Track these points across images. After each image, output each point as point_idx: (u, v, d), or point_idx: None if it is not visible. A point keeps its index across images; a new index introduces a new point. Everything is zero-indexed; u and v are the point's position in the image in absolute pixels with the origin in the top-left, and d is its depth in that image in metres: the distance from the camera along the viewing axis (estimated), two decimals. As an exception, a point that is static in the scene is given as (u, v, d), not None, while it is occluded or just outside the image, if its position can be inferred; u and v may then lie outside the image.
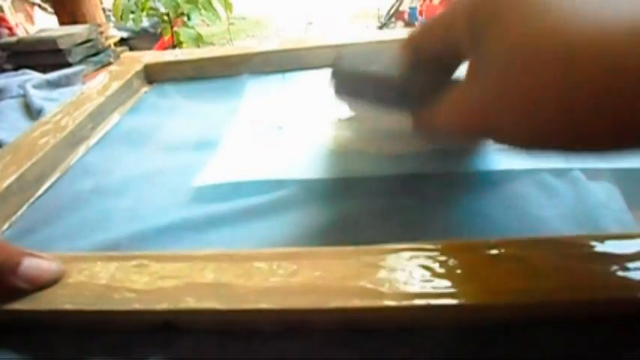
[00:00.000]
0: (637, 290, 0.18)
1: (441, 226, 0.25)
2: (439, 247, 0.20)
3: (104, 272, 0.21)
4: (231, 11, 1.94)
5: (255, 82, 0.46)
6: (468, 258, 0.20)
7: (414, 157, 0.30)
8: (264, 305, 0.19)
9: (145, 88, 0.49)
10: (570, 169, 0.27)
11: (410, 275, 0.19)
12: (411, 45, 0.25)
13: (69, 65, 0.66)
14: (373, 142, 0.32)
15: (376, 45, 0.47)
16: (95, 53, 0.74)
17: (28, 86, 0.51)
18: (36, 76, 0.56)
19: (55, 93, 0.52)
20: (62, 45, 0.67)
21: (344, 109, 0.32)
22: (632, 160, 0.28)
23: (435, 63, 0.24)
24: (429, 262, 0.20)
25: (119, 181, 0.32)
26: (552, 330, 0.18)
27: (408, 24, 3.20)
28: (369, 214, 0.26)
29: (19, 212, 0.30)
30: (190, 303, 0.19)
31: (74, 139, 0.37)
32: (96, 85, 0.44)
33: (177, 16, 1.92)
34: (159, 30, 2.00)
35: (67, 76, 0.56)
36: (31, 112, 0.47)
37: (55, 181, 0.34)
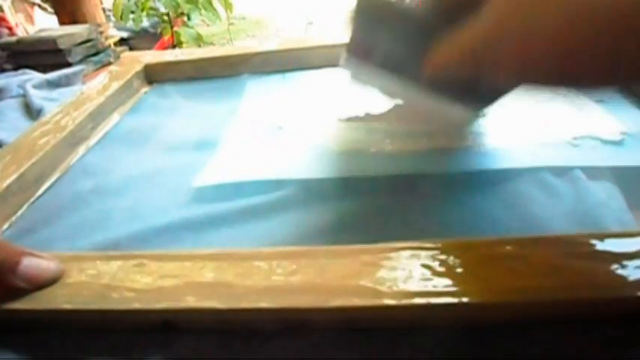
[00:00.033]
0: (637, 289, 0.18)
1: (441, 225, 0.25)
2: (439, 245, 0.20)
3: (104, 272, 0.21)
4: (231, 11, 1.94)
5: (256, 82, 0.46)
6: (468, 257, 0.20)
7: (414, 157, 0.30)
8: (264, 304, 0.19)
9: (145, 88, 0.49)
10: (571, 169, 0.27)
11: (410, 274, 0.19)
12: None
13: (69, 65, 0.65)
14: (373, 142, 0.32)
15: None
16: (95, 53, 0.73)
17: (28, 86, 0.51)
18: (36, 76, 0.56)
19: (55, 93, 0.52)
20: (62, 45, 0.67)
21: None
22: (632, 159, 0.28)
23: (457, 4, 0.25)
24: (429, 261, 0.20)
25: (119, 181, 0.32)
26: (552, 329, 0.18)
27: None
28: (369, 213, 0.26)
29: (19, 212, 0.30)
30: (190, 302, 0.19)
31: (74, 139, 0.37)
32: (96, 85, 0.45)
33: (178, 16, 1.92)
34: (159, 30, 2.00)
35: (67, 76, 0.56)
36: (31, 112, 0.47)
37: (55, 181, 0.34)
